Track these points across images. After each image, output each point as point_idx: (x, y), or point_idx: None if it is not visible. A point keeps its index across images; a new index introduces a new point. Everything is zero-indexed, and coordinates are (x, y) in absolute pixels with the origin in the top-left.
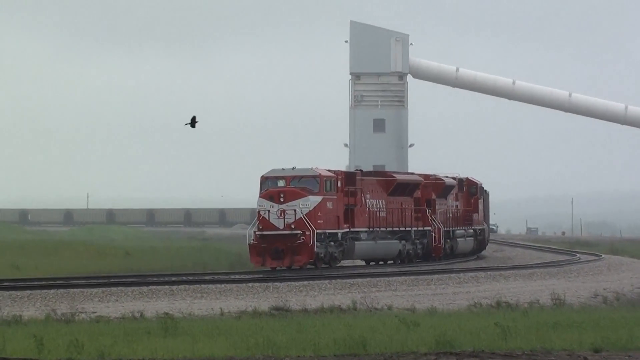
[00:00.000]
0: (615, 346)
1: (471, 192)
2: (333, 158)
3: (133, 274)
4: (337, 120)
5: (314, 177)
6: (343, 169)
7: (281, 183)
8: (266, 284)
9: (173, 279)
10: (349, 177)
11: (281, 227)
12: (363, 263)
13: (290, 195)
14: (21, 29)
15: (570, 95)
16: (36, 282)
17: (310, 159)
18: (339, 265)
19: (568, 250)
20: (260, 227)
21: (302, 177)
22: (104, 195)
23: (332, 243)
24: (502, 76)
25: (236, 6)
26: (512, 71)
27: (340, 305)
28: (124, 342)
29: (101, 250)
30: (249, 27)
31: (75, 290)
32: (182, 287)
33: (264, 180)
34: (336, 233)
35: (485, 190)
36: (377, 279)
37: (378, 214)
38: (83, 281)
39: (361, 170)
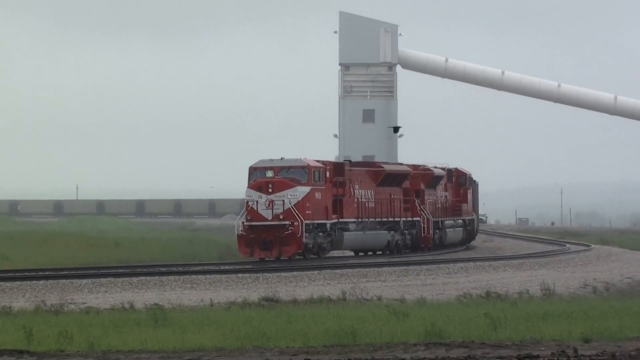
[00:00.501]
0: (605, 336)
1: (460, 183)
2: (323, 149)
3: (123, 265)
4: (327, 111)
5: (303, 167)
6: (333, 159)
7: (269, 174)
8: (256, 274)
9: (163, 269)
10: (337, 168)
11: (269, 217)
12: (352, 253)
13: (279, 185)
14: (11, 22)
15: (559, 85)
16: (26, 273)
17: (300, 149)
18: (327, 255)
19: (557, 240)
20: (249, 218)
21: (290, 167)
22: (94, 186)
23: (321, 234)
24: (491, 67)
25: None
26: (501, 62)
27: (329, 296)
28: (113, 333)
29: (91, 241)
30: (238, 19)
31: (64, 281)
32: (171, 277)
33: (253, 170)
34: (325, 224)
35: (475, 181)
36: (367, 269)
37: (367, 205)
38: (72, 272)
39: (350, 161)
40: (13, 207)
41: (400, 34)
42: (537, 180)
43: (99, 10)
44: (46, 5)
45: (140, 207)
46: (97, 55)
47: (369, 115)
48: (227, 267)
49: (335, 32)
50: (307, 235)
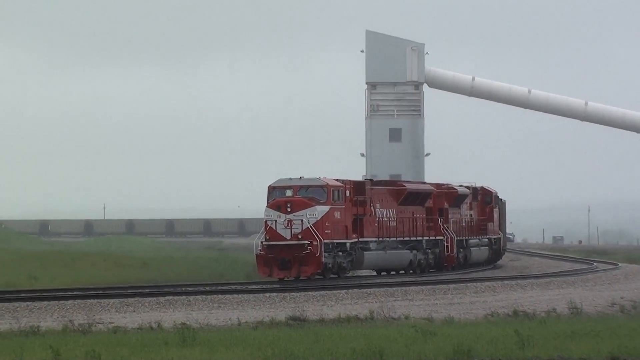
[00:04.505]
0: (633, 355)
1: (486, 201)
2: (350, 168)
3: (150, 285)
4: (354, 130)
5: (322, 186)
6: (360, 178)
7: (288, 193)
8: (283, 294)
9: (190, 289)
10: (357, 187)
11: (288, 237)
12: (374, 273)
13: (298, 205)
14: (21, 43)
15: (586, 104)
16: (54, 293)
17: (328, 168)
18: (349, 275)
19: (585, 259)
20: (267, 237)
21: (309, 186)
22: (123, 205)
23: (341, 253)
24: (518, 85)
25: (252, 15)
26: (528, 80)
27: (357, 315)
28: (141, 352)
29: (118, 260)
30: (264, 36)
31: (92, 300)
32: (199, 297)
33: (272, 190)
34: (344, 243)
35: (501, 199)
36: (394, 288)
37: (388, 224)
38: (100, 292)
39: (371, 180)
40: (44, 227)
41: (427, 53)
42: (565, 198)
43: (111, 35)
44: (55, 30)
45: (170, 226)
46: (118, 76)
47: (395, 134)
48: (254, 287)
49: (362, 51)
50: (326, 254)
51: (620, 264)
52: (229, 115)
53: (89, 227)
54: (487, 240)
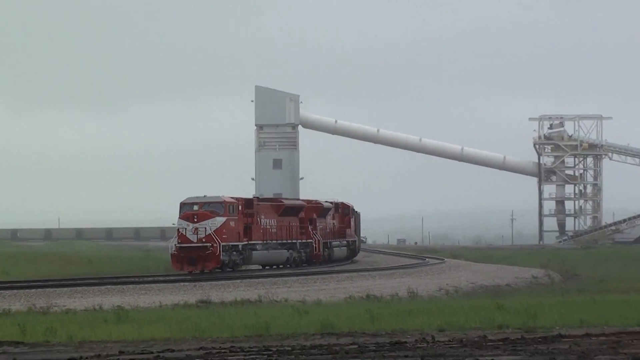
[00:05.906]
0: (455, 327)
1: (345, 213)
2: (243, 188)
3: (93, 277)
4: (246, 160)
5: (220, 202)
6: (250, 196)
7: (195, 207)
8: (193, 283)
9: (124, 279)
10: (247, 202)
11: (195, 241)
12: (260, 267)
13: (202, 216)
14: None
15: (420, 139)
16: (21, 283)
17: (228, 189)
18: (241, 269)
19: (419, 255)
20: (180, 241)
21: (211, 202)
22: (74, 217)
23: (235, 252)
24: (370, 125)
25: (164, 73)
26: (377, 120)
27: (249, 299)
28: (87, 328)
29: (70, 259)
30: (177, 88)
31: (50, 289)
32: (130, 286)
33: (182, 205)
34: (237, 245)
35: (357, 211)
36: (276, 279)
37: (270, 230)
38: (56, 282)
39: (258, 197)
40: (14, 234)
41: (301, 102)
42: (404, 209)
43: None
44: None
45: (109, 233)
46: (65, 123)
47: (277, 163)
48: (172, 278)
49: (252, 100)
50: (224, 254)
51: (445, 260)
52: (153, 149)
53: (48, 234)
54: (345, 242)
